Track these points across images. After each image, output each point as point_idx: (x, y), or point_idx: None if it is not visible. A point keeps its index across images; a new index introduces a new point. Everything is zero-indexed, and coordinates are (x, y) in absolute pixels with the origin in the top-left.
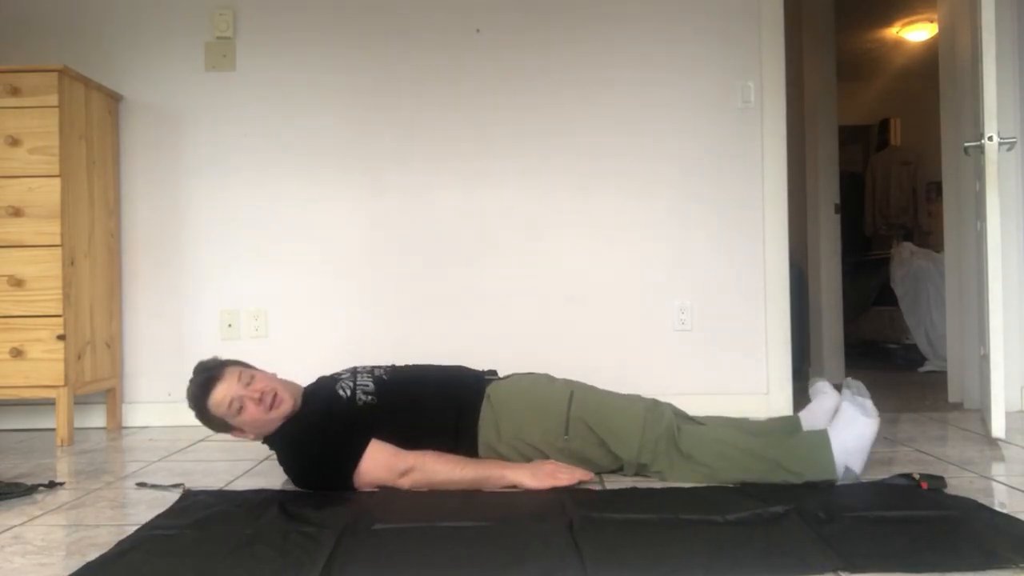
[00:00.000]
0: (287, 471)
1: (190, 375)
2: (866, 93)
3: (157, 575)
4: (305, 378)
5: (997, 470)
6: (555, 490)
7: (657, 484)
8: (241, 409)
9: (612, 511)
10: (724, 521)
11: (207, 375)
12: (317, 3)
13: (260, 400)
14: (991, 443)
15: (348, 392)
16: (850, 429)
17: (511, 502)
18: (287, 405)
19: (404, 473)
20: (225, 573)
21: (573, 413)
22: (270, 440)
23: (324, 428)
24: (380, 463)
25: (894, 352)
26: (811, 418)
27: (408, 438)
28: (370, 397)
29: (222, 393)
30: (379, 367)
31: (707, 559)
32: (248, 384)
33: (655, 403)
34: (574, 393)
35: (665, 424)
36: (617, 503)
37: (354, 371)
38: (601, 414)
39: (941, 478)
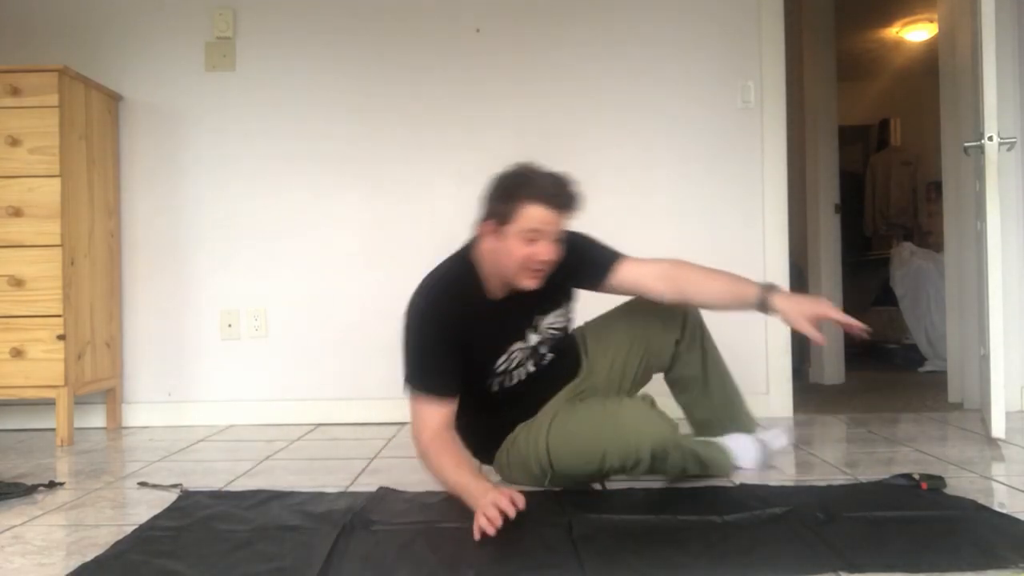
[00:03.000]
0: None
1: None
2: (866, 93)
3: (156, 575)
4: (305, 378)
5: (997, 470)
6: (555, 491)
7: (657, 484)
8: (533, 242)
9: (611, 511)
10: (723, 522)
11: (565, 189)
12: (317, 3)
13: (539, 264)
14: (991, 443)
15: (509, 365)
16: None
17: None
18: (528, 282)
19: (419, 443)
20: (223, 573)
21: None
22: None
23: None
24: (418, 416)
25: (894, 352)
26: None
27: (490, 431)
28: (515, 382)
29: (541, 215)
30: (542, 358)
31: (706, 560)
32: (553, 242)
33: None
34: (549, 443)
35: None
36: (616, 503)
37: (532, 352)
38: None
39: (941, 478)
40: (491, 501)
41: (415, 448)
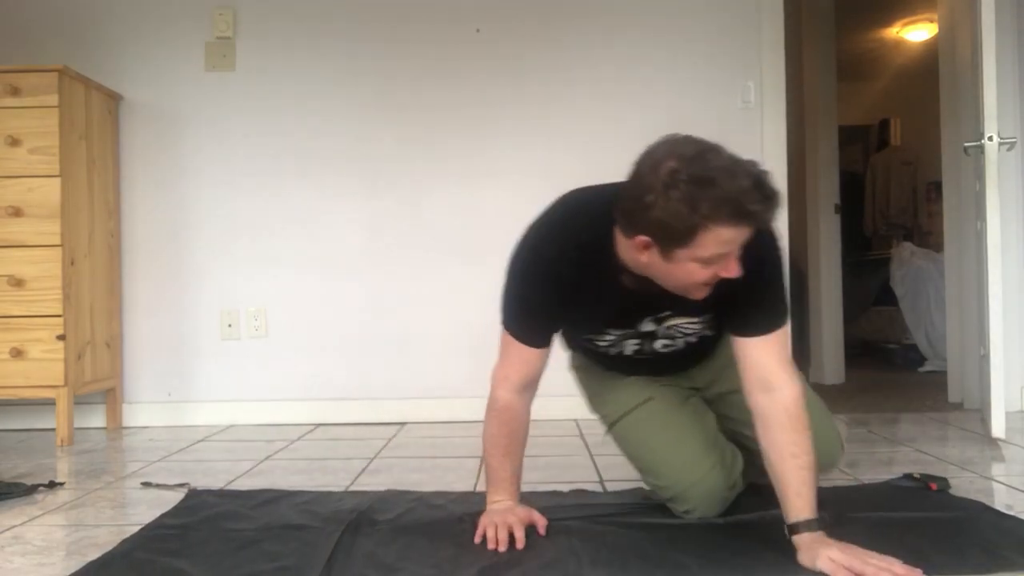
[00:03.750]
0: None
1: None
2: (866, 93)
3: (162, 574)
4: (305, 378)
5: (997, 470)
6: (556, 491)
7: None
8: (712, 264)
9: (612, 511)
10: (725, 523)
11: (765, 194)
12: (317, 3)
13: (716, 280)
14: (991, 443)
15: (613, 347)
16: None
17: None
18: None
19: (493, 392)
20: (230, 571)
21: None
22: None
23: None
24: (505, 357)
25: (894, 352)
26: None
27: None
28: (624, 352)
29: (731, 236)
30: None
31: (708, 561)
32: (738, 257)
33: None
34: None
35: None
36: (617, 503)
37: (647, 340)
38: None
39: (945, 479)
40: (494, 523)
41: (490, 391)
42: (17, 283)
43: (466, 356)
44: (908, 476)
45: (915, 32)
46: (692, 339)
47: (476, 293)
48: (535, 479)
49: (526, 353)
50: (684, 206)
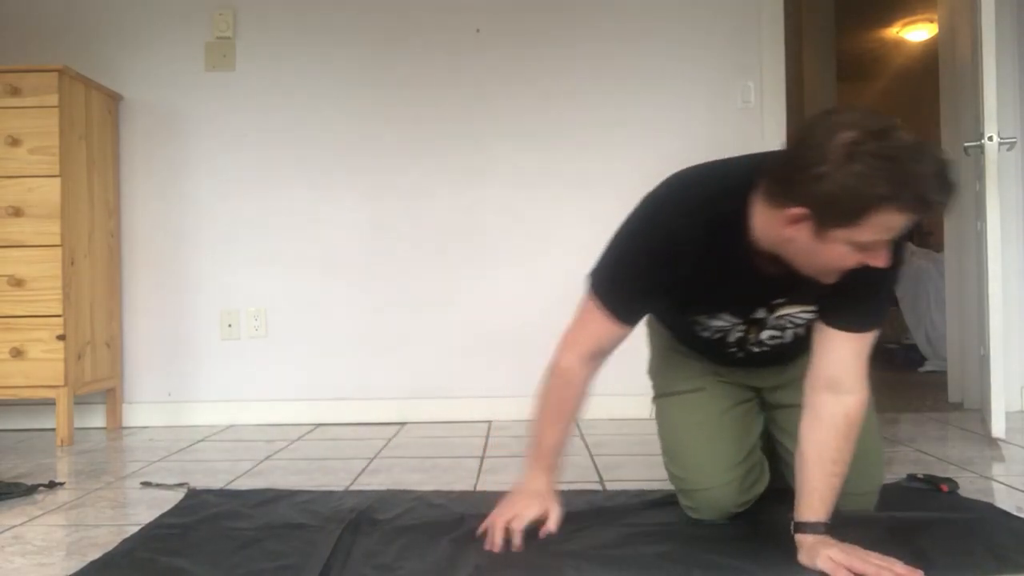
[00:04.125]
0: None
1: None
2: (866, 93)
3: (163, 573)
4: (305, 378)
5: (997, 470)
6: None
7: (658, 485)
8: (867, 250)
9: (611, 511)
10: (727, 522)
11: (947, 183)
12: (317, 3)
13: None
14: (991, 443)
15: (715, 332)
16: None
17: None
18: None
19: (558, 356)
20: (231, 570)
21: None
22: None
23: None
24: (580, 322)
25: (894, 352)
26: None
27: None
28: (712, 336)
29: (899, 223)
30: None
31: (709, 562)
32: (886, 246)
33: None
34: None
35: None
36: (617, 503)
37: (751, 328)
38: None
39: (955, 481)
40: (495, 522)
41: (554, 353)
42: (17, 283)
43: (465, 356)
44: (914, 477)
45: (915, 32)
46: (800, 331)
47: (476, 293)
48: None
49: (607, 326)
50: (860, 182)
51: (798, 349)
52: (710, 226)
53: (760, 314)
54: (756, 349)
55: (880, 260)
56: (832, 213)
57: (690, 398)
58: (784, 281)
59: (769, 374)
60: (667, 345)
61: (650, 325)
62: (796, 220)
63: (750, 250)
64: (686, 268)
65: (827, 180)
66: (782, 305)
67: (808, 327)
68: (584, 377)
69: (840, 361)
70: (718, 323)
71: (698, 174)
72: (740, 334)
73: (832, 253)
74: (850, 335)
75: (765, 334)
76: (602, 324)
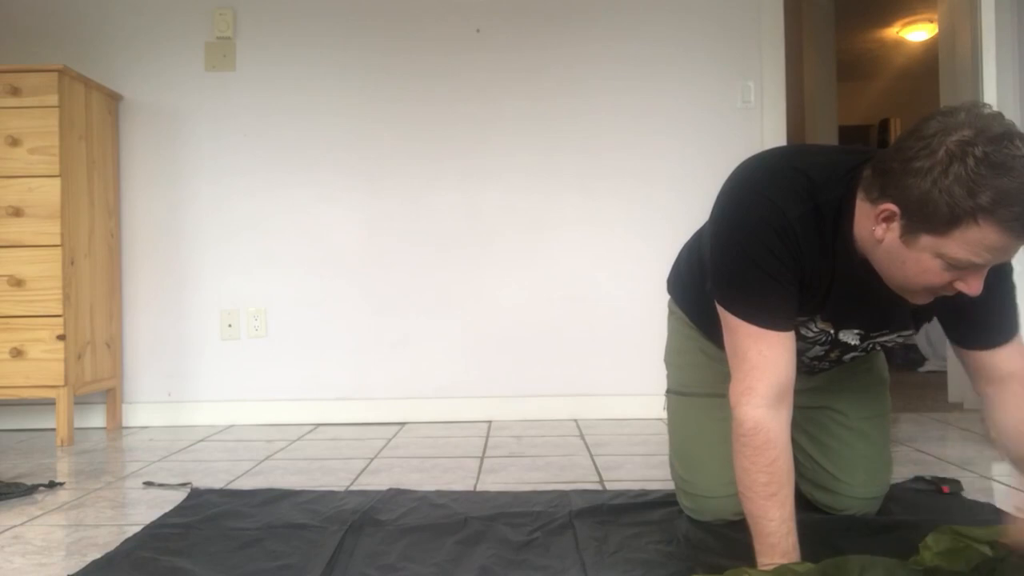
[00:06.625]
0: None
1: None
2: (866, 93)
3: (165, 572)
4: (305, 378)
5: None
6: (559, 489)
7: (658, 485)
8: (956, 270)
9: (614, 511)
10: (728, 523)
11: None
12: (317, 3)
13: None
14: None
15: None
16: None
17: (515, 501)
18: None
19: (734, 409)
20: (233, 570)
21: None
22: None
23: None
24: (742, 359)
25: (894, 352)
26: None
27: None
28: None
29: (998, 243)
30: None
31: (709, 562)
32: (981, 272)
33: None
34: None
35: None
36: (620, 503)
37: (835, 347)
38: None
39: (958, 482)
40: None
41: (732, 413)
42: (17, 283)
43: (465, 356)
44: (919, 478)
45: (915, 32)
46: (885, 347)
47: (476, 293)
48: (535, 479)
49: (772, 344)
50: (961, 186)
51: (859, 362)
52: (815, 214)
53: (852, 339)
54: (823, 365)
55: (970, 287)
56: (922, 215)
57: (708, 403)
58: (881, 295)
59: (805, 381)
60: (694, 343)
61: (673, 312)
62: (885, 218)
63: (852, 249)
64: (798, 259)
65: (924, 177)
66: (882, 335)
67: (891, 347)
68: (780, 428)
69: (995, 366)
70: (807, 333)
71: (804, 153)
72: (820, 353)
73: (919, 265)
74: (1000, 349)
75: (848, 356)
76: (768, 347)
